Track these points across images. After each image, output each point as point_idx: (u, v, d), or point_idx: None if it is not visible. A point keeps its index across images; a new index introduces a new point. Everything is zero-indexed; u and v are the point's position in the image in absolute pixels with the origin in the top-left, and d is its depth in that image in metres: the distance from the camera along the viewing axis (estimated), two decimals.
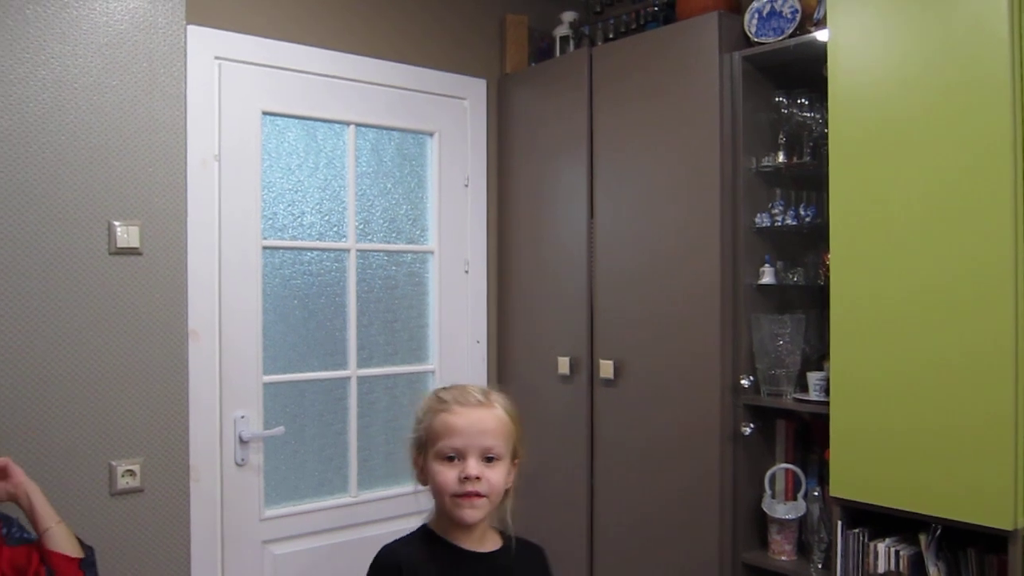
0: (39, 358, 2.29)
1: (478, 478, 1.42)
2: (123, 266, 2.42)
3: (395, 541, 1.53)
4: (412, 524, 3.18)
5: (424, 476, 1.49)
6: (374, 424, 3.10)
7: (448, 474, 1.43)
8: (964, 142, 2.02)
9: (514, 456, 1.50)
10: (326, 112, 2.96)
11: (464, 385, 1.54)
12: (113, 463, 2.40)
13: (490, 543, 1.52)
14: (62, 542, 1.96)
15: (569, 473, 3.09)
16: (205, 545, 2.64)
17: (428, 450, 1.47)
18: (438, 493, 1.45)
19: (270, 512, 2.82)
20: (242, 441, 2.73)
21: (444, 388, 1.54)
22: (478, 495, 1.43)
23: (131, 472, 2.42)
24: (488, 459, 1.45)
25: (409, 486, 3.15)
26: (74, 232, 2.35)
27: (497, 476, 1.45)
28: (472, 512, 1.43)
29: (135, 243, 2.43)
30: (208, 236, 2.66)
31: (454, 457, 1.44)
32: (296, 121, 2.92)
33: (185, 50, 2.56)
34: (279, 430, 2.79)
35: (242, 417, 2.74)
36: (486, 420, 1.46)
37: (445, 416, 1.46)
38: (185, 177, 2.56)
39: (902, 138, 2.13)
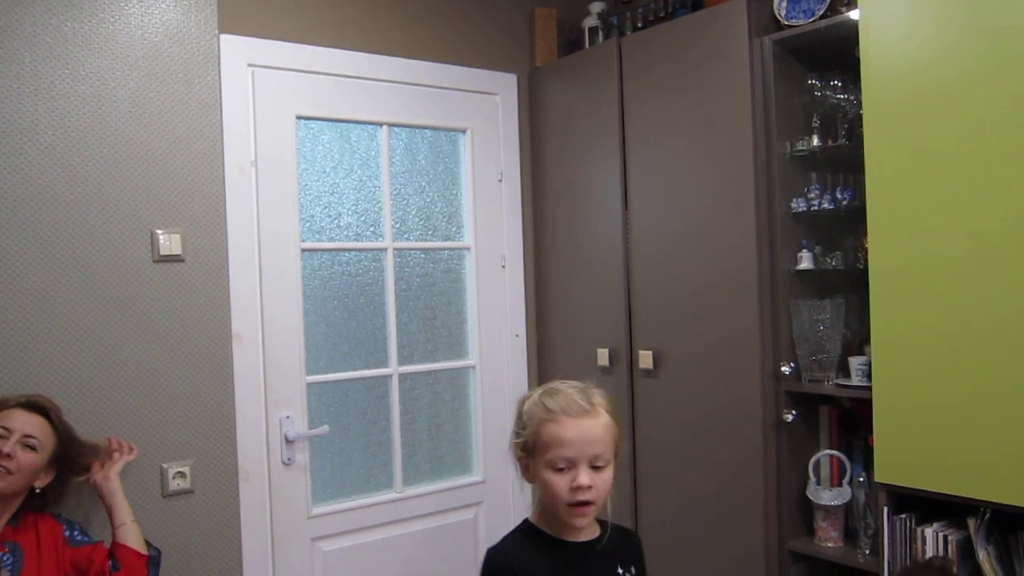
0: (88, 366, 2.36)
1: (590, 487, 1.47)
2: (166, 273, 2.48)
3: (502, 543, 1.58)
4: (457, 518, 3.24)
5: (531, 475, 1.55)
6: (417, 420, 3.14)
7: (560, 483, 1.48)
8: (1001, 113, 1.97)
9: (615, 453, 1.54)
10: (359, 114, 2.99)
11: (565, 388, 1.55)
12: (164, 465, 2.46)
13: (589, 531, 1.57)
14: (134, 538, 2.12)
15: None
16: (256, 543, 2.69)
17: (537, 457, 1.51)
18: (551, 500, 1.50)
19: (318, 510, 2.86)
20: (288, 441, 2.78)
21: (546, 392, 1.55)
22: (589, 503, 1.48)
23: (182, 474, 2.49)
24: (596, 467, 1.49)
25: (452, 481, 3.21)
26: (119, 242, 2.41)
27: (605, 482, 1.50)
28: (583, 520, 1.51)
29: (177, 250, 2.49)
30: (248, 241, 2.71)
31: (564, 467, 1.48)
32: (330, 124, 2.95)
33: (219, 59, 2.61)
34: (324, 429, 2.84)
35: (287, 417, 2.79)
36: (594, 430, 1.50)
37: (553, 427, 1.49)
38: (223, 184, 2.62)
39: (938, 113, 2.09)
